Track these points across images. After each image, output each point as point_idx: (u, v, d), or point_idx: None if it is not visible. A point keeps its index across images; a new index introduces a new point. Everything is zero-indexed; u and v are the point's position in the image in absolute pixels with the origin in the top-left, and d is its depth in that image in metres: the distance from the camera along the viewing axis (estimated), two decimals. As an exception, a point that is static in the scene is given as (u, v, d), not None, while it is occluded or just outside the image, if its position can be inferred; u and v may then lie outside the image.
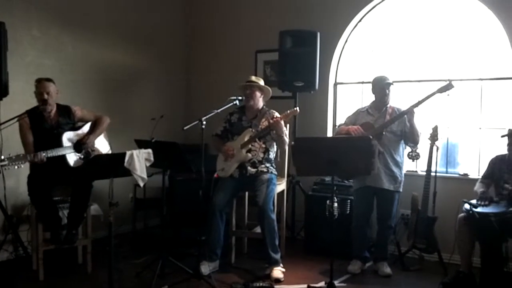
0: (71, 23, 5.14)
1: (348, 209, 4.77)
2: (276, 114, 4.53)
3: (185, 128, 4.07)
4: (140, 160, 3.59)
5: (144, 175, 3.65)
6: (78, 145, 4.21)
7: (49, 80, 4.16)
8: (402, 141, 4.49)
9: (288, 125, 4.77)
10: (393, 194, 4.42)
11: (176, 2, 6.43)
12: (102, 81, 5.49)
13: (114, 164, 3.56)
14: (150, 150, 3.69)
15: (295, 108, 4.43)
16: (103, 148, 4.44)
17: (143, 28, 5.91)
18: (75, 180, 4.10)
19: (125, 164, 3.52)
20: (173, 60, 6.36)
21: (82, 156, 4.21)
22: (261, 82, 4.61)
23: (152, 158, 3.69)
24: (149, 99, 5.99)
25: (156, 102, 6.01)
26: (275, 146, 4.62)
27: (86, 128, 4.37)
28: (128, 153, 3.53)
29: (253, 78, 4.63)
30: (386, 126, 4.36)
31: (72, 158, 4.14)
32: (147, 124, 4.62)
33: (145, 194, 5.24)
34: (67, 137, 4.17)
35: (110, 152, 4.48)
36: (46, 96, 4.09)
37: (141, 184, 3.68)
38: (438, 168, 4.58)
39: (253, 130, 4.47)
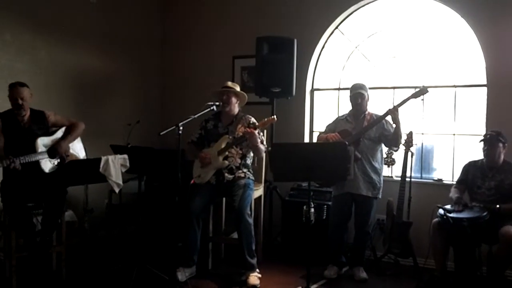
0: (44, 27, 5.07)
1: (325, 214, 4.80)
2: (253, 120, 4.54)
3: (162, 133, 4.03)
4: (115, 166, 3.57)
5: (120, 181, 3.63)
6: (52, 151, 4.14)
7: (23, 84, 4.07)
8: (380, 148, 4.54)
9: (265, 131, 4.78)
10: (371, 201, 4.46)
11: (152, 8, 6.40)
12: (77, 86, 5.42)
13: (89, 170, 3.53)
14: (126, 156, 3.67)
15: (272, 117, 4.42)
16: (78, 153, 4.38)
17: (119, 34, 5.87)
18: (49, 186, 4.03)
19: (100, 169, 3.50)
20: (149, 66, 6.33)
21: (56, 162, 4.14)
22: (237, 88, 4.61)
23: (128, 164, 3.67)
24: (124, 105, 5.94)
25: (132, 107, 5.97)
26: (251, 152, 4.62)
27: (60, 133, 4.30)
28: (103, 158, 3.52)
29: (229, 83, 4.63)
30: (363, 132, 4.40)
31: (46, 164, 4.06)
32: (123, 130, 4.58)
33: (121, 200, 5.19)
34: (41, 142, 4.10)
35: (85, 157, 4.42)
36: (20, 101, 4.02)
37: (117, 190, 3.66)
38: (413, 173, 4.64)
39: (230, 137, 4.46)
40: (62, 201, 4.14)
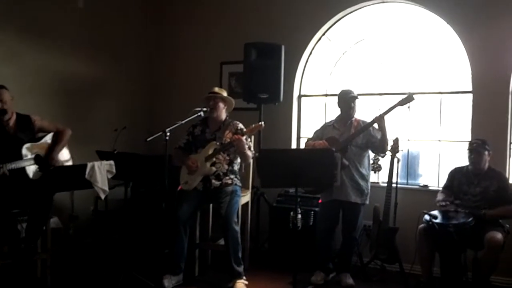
0: (31, 32, 5.03)
1: (312, 220, 4.81)
2: (240, 126, 4.53)
3: (149, 139, 4.01)
4: (101, 172, 3.55)
5: (106, 187, 3.60)
6: (45, 164, 4.06)
7: (1, 87, 4.00)
8: (367, 154, 4.56)
9: (252, 137, 4.78)
10: (359, 207, 4.48)
11: (139, 13, 6.38)
12: (63, 91, 5.38)
13: (75, 176, 3.50)
14: (112, 162, 3.65)
15: (260, 123, 4.42)
16: (64, 159, 4.34)
17: (106, 39, 5.84)
18: (35, 193, 3.98)
19: (86, 176, 3.47)
20: (136, 71, 6.30)
21: (42, 168, 4.09)
22: (224, 93, 4.61)
23: (114, 170, 3.65)
24: (111, 110, 5.90)
25: (119, 113, 5.93)
26: (238, 158, 4.62)
27: (46, 139, 4.25)
28: (89, 164, 3.49)
29: (216, 89, 4.62)
30: (350, 140, 4.42)
31: (31, 170, 4.01)
32: (109, 135, 4.54)
33: (107, 207, 5.15)
34: (27, 148, 4.05)
35: (71, 163, 4.38)
36: (0, 104, 3.95)
37: (102, 197, 3.64)
38: (399, 179, 4.67)
39: (217, 143, 4.45)
40: (48, 208, 4.09)
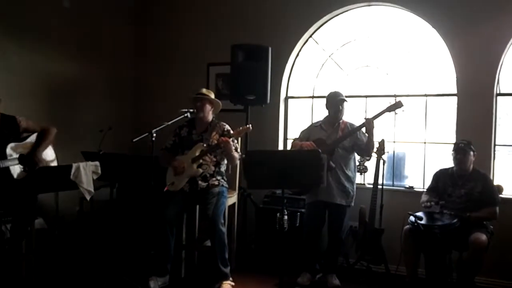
0: (16, 32, 4.98)
1: (298, 221, 4.82)
2: (227, 127, 4.54)
3: (135, 140, 4.00)
4: (87, 173, 3.52)
5: (91, 188, 3.58)
6: (29, 161, 4.02)
7: None
8: (353, 157, 4.59)
9: (239, 139, 4.78)
10: (344, 209, 4.50)
11: (126, 13, 6.36)
12: (49, 92, 5.34)
13: (60, 177, 3.47)
14: (97, 163, 3.63)
15: (247, 125, 4.42)
16: (48, 160, 4.30)
17: (92, 39, 5.80)
18: (19, 194, 3.94)
19: (71, 176, 3.45)
20: (122, 72, 6.27)
21: (26, 168, 4.05)
22: (212, 95, 4.61)
23: (99, 171, 3.62)
24: (97, 111, 5.86)
25: (105, 113, 5.89)
26: (225, 159, 4.62)
27: (31, 139, 4.21)
28: (74, 165, 3.47)
29: (204, 90, 4.62)
30: (338, 142, 4.44)
31: (15, 170, 3.97)
32: (95, 136, 4.52)
33: (93, 208, 5.11)
34: (12, 148, 4.01)
35: (55, 164, 4.34)
36: None
37: (88, 198, 3.61)
38: (385, 181, 4.70)
39: (204, 145, 4.44)
40: (32, 209, 4.06)
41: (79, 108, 5.72)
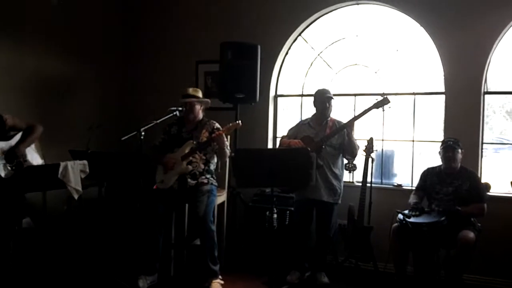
0: (2, 29, 4.92)
1: (287, 220, 4.83)
2: (217, 125, 4.53)
3: (123, 138, 3.98)
4: (74, 172, 3.49)
5: (79, 187, 3.55)
6: (11, 154, 3.99)
7: None
8: (341, 154, 4.60)
9: (229, 137, 4.77)
10: (332, 206, 4.51)
11: (114, 11, 6.31)
12: (36, 89, 5.28)
13: (47, 176, 3.44)
14: (85, 162, 3.60)
15: (237, 122, 4.43)
16: (35, 159, 4.26)
17: (80, 37, 5.75)
18: (6, 193, 3.90)
19: (59, 175, 3.42)
20: (110, 69, 6.23)
21: (14, 167, 4.01)
22: (199, 94, 4.58)
23: (87, 170, 3.60)
24: (85, 109, 5.82)
25: (93, 112, 5.85)
26: (215, 158, 4.61)
27: (18, 137, 4.17)
28: (62, 164, 3.43)
29: (191, 90, 4.58)
30: (326, 140, 4.45)
31: (2, 169, 3.93)
32: (83, 135, 4.48)
33: (81, 207, 5.07)
34: (-1, 147, 3.96)
35: (43, 163, 4.30)
36: None
37: (76, 197, 3.58)
38: (373, 179, 4.72)
39: (194, 142, 4.43)
40: (20, 208, 4.01)
41: (67, 106, 5.67)
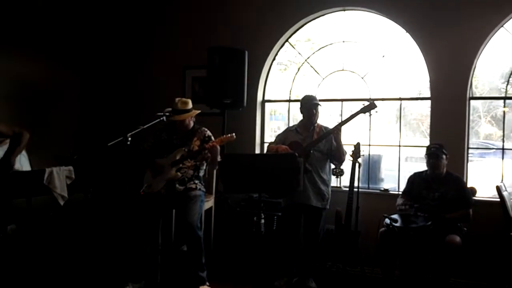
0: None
1: (275, 225, 4.82)
2: (208, 133, 4.51)
3: (110, 144, 3.95)
4: (60, 178, 3.46)
5: (65, 193, 3.53)
6: (6, 166, 3.91)
7: None
8: (329, 160, 4.61)
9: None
10: (320, 211, 4.51)
11: (99, 16, 6.27)
12: (21, 95, 5.25)
13: (33, 182, 3.41)
14: (71, 167, 3.57)
15: (231, 134, 4.33)
16: (22, 165, 4.22)
17: (65, 43, 5.72)
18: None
19: (44, 181, 3.39)
20: (97, 75, 6.20)
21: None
22: (189, 105, 4.48)
23: (73, 176, 3.57)
24: (71, 114, 5.78)
25: (79, 117, 5.81)
26: (204, 164, 4.59)
27: (5, 145, 4.12)
28: (47, 170, 3.41)
29: (179, 104, 4.45)
30: (313, 145, 4.46)
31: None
32: (69, 140, 4.45)
33: (67, 212, 5.03)
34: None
35: (29, 169, 4.26)
36: None
37: (61, 203, 3.55)
38: (360, 184, 4.73)
39: (185, 149, 4.40)
40: (6, 214, 3.97)
41: (53, 111, 5.64)
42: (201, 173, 4.58)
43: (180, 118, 4.43)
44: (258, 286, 3.69)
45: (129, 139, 3.95)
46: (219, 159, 4.42)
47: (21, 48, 5.22)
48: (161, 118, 4.36)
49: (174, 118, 4.42)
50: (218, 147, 4.31)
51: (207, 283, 4.30)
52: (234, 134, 4.34)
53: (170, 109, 4.45)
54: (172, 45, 6.03)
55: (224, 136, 4.32)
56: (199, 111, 4.58)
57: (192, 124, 4.57)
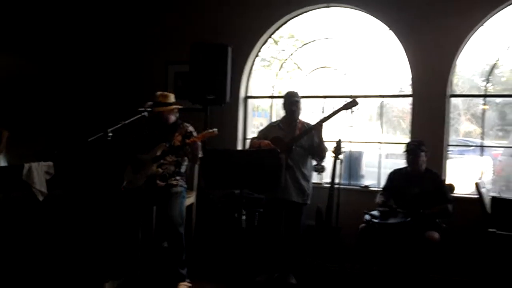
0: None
1: (256, 221, 4.83)
2: (190, 128, 4.47)
3: (90, 139, 3.91)
4: (39, 173, 3.43)
5: (44, 189, 3.49)
6: None
7: None
8: (310, 155, 4.63)
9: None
10: (301, 207, 4.53)
11: (82, 10, 6.20)
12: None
13: (11, 177, 3.37)
14: (51, 163, 3.54)
15: (213, 130, 4.26)
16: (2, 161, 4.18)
17: (44, 36, 5.64)
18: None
19: (23, 177, 3.36)
20: (79, 70, 6.14)
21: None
22: (169, 99, 4.45)
23: (53, 171, 3.54)
24: (52, 109, 5.72)
25: (59, 112, 5.75)
26: (186, 160, 4.56)
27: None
28: (26, 165, 3.37)
29: (160, 97, 4.42)
30: (295, 141, 4.47)
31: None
32: (48, 136, 4.41)
33: (45, 209, 4.99)
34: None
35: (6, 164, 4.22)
36: None
37: (41, 199, 3.52)
38: (342, 180, 4.76)
39: (167, 145, 4.37)
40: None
41: (31, 107, 5.56)
42: (183, 169, 4.54)
43: (160, 110, 4.40)
44: (239, 282, 3.69)
45: (110, 134, 3.91)
46: (200, 155, 4.40)
47: None
48: (143, 114, 4.32)
49: (154, 110, 4.39)
50: (199, 143, 4.28)
51: (188, 280, 4.30)
52: (216, 129, 4.30)
53: (151, 103, 4.41)
54: (155, 40, 5.99)
55: (206, 131, 4.29)
56: (180, 106, 4.55)
57: (174, 119, 4.53)
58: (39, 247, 4.92)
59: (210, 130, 4.26)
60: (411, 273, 4.26)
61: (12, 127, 4.34)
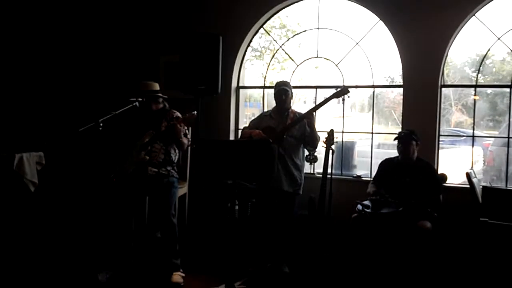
0: None
1: (249, 211, 4.83)
2: (176, 114, 4.45)
3: (81, 129, 3.89)
4: (30, 164, 3.40)
5: (35, 179, 3.47)
6: None
7: None
8: (302, 145, 4.63)
9: (190, 128, 4.72)
10: (293, 197, 4.53)
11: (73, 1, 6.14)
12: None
13: (1, 168, 3.34)
14: (41, 153, 3.51)
15: (193, 112, 4.26)
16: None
17: (32, 25, 5.57)
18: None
19: (14, 167, 3.33)
20: (69, 60, 6.08)
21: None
22: (154, 87, 4.49)
23: (43, 162, 3.51)
24: (43, 99, 5.66)
25: (50, 102, 5.69)
26: (175, 148, 4.55)
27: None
28: (17, 156, 3.34)
29: (145, 85, 4.46)
30: (286, 130, 4.47)
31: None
32: (40, 126, 4.37)
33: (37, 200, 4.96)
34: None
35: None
36: None
37: (32, 189, 3.49)
38: (334, 170, 4.77)
39: (154, 132, 4.36)
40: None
41: (24, 96, 5.51)
42: (173, 158, 4.51)
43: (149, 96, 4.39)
44: (232, 271, 3.70)
45: (101, 124, 3.89)
46: (186, 142, 4.38)
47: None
48: (134, 104, 4.30)
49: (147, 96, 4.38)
50: (181, 127, 4.25)
51: (181, 270, 4.30)
52: (195, 112, 4.25)
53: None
54: (145, 30, 5.94)
55: (187, 115, 4.25)
56: (164, 97, 4.53)
57: (161, 106, 4.52)
58: (31, 239, 4.90)
59: (191, 113, 4.23)
60: (404, 263, 4.29)
61: (1, 117, 4.29)
